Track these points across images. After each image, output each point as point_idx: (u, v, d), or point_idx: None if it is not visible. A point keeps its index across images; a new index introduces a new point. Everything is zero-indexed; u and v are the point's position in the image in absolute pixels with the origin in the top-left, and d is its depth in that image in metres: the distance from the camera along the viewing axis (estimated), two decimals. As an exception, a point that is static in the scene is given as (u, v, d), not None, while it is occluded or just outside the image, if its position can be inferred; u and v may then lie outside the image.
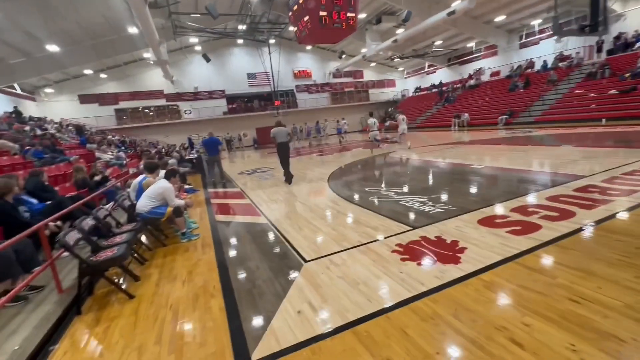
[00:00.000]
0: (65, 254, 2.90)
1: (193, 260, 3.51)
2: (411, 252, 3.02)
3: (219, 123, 27.90)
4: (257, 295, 2.58)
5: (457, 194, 5.00)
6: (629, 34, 15.91)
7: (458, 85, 25.20)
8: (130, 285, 3.05)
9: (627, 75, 13.69)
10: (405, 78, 35.10)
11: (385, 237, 3.45)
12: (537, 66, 20.09)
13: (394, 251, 3.08)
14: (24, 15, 12.92)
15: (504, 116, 16.49)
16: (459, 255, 2.83)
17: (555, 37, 20.24)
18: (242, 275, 3.01)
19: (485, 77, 24.22)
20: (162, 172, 5.28)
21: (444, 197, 4.81)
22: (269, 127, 28.83)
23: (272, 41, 26.50)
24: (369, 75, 34.15)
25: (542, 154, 7.66)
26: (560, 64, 18.28)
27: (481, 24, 21.82)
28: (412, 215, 4.09)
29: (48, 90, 23.28)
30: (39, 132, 11.05)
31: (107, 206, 4.33)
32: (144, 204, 3.91)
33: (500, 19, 20.64)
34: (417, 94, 31.32)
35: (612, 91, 13.48)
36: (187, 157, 12.33)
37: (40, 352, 2.16)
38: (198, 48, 25.93)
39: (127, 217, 4.20)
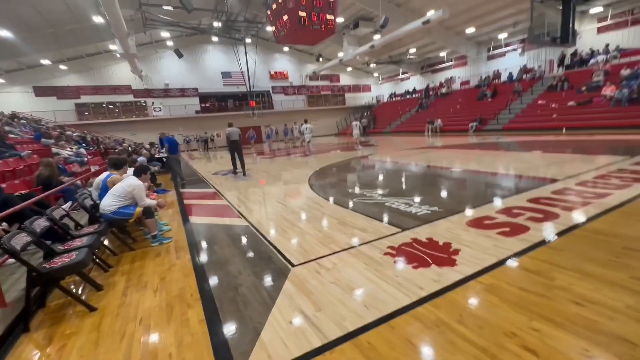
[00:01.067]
0: (11, 260, 2.47)
1: (166, 265, 3.16)
2: (404, 255, 2.89)
3: (191, 122, 26.87)
4: (241, 303, 2.32)
5: (441, 196, 4.99)
6: (584, 51, 17.26)
7: (431, 93, 26.06)
8: (92, 295, 2.66)
9: (583, 88, 14.78)
10: (380, 84, 35.83)
11: (375, 239, 3.31)
12: (504, 77, 21.24)
13: (386, 254, 2.94)
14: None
15: (474, 123, 17.19)
16: (454, 257, 2.74)
17: (519, 51, 21.61)
18: (223, 281, 2.72)
19: (456, 86, 25.26)
20: (131, 170, 4.84)
21: (429, 198, 4.78)
22: (243, 127, 28.21)
23: (248, 40, 25.95)
24: (345, 79, 34.48)
25: (515, 159, 7.97)
26: (524, 76, 19.42)
27: (453, 34, 22.76)
28: (399, 217, 3.99)
29: (1, 81, 21.17)
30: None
31: (64, 206, 3.84)
32: (109, 204, 3.49)
33: (470, 30, 21.63)
34: (392, 99, 32.03)
35: (571, 103, 14.48)
36: (157, 156, 11.61)
37: (-26, 381, 1.77)
38: (170, 43, 24.80)
39: (89, 218, 3.74)
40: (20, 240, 2.29)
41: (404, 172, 7.71)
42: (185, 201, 6.18)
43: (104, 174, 4.09)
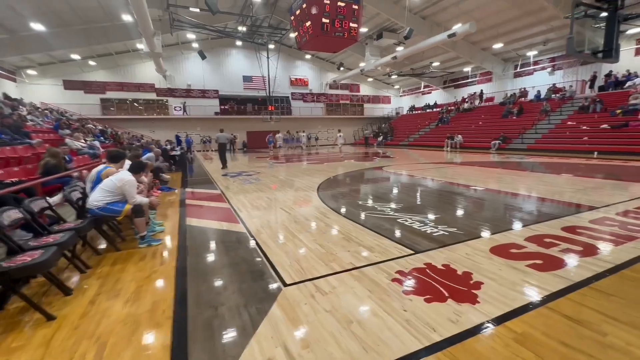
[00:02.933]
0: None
1: (147, 271, 2.85)
2: (416, 283, 2.47)
3: (210, 123, 27.13)
4: (217, 328, 1.96)
5: (460, 215, 4.51)
6: (619, 72, 16.33)
7: (452, 108, 25.40)
8: (57, 300, 2.37)
9: (618, 111, 13.88)
10: (401, 96, 35.38)
11: (383, 261, 2.90)
12: (531, 95, 20.42)
13: (394, 280, 2.52)
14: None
15: (497, 141, 16.45)
16: (474, 291, 2.30)
17: (549, 70, 20.77)
18: (203, 297, 2.38)
19: (480, 102, 24.52)
20: (129, 163, 4.63)
21: (446, 218, 4.32)
22: (260, 131, 28.34)
23: (271, 46, 26.22)
24: (365, 89, 34.26)
25: (543, 181, 7.34)
26: (553, 96, 18.57)
27: (479, 49, 22.17)
28: (412, 237, 3.56)
29: (30, 72, 22.09)
30: (8, 111, 10.13)
31: (54, 198, 3.63)
32: (97, 198, 3.24)
33: (497, 46, 20.99)
34: (411, 112, 31.49)
35: (604, 125, 13.60)
36: (170, 154, 11.56)
37: None
38: (195, 45, 25.32)
39: (77, 213, 3.51)
40: (-22, 232, 2.03)
41: (419, 187, 7.23)
42: (188, 201, 5.93)
43: (101, 166, 3.87)
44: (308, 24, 14.29)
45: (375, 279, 2.54)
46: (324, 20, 13.69)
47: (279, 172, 10.36)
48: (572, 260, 2.80)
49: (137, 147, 7.01)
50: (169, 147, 13.32)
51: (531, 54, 21.12)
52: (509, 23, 18.19)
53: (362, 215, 4.56)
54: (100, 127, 16.73)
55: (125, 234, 3.93)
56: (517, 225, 3.87)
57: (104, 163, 4.03)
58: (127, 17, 17.03)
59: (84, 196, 3.60)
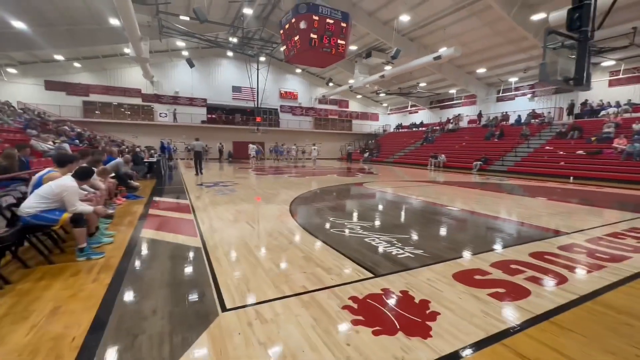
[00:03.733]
0: None
1: (73, 289, 2.54)
2: (368, 312, 2.26)
3: (196, 131, 26.69)
4: (128, 362, 1.69)
5: (430, 236, 4.37)
6: (594, 102, 17.04)
7: (437, 128, 25.89)
8: (-48, 322, 2.05)
9: (593, 138, 14.37)
10: (389, 114, 35.98)
11: (338, 285, 2.68)
12: (512, 120, 21.03)
13: (345, 307, 2.31)
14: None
15: (479, 162, 16.71)
16: (429, 323, 2.11)
17: (529, 96, 21.53)
18: (125, 322, 2.10)
19: (463, 124, 25.11)
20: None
21: (416, 238, 4.16)
22: (246, 141, 27.99)
23: (262, 59, 26.40)
24: (354, 106, 34.71)
25: (518, 203, 7.35)
26: (532, 121, 19.16)
27: (464, 73, 22.87)
28: (376, 258, 3.37)
29: (11, 70, 21.42)
30: (-28, 108, 9.62)
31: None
32: (30, 205, 2.93)
33: (481, 71, 21.73)
34: (398, 130, 31.97)
35: (580, 152, 14.01)
36: (146, 160, 11.16)
37: None
38: (185, 53, 25.21)
39: (7, 221, 3.17)
40: None
41: (395, 205, 7.11)
42: (151, 211, 5.60)
43: (45, 170, 3.57)
44: (296, 38, 14.40)
45: (325, 306, 2.32)
46: (312, 35, 13.79)
47: (258, 183, 10.11)
48: (535, 289, 2.66)
49: (99, 152, 6.66)
50: (145, 153, 12.89)
51: (513, 79, 21.92)
52: (492, 49, 18.89)
53: (330, 233, 4.35)
54: (78, 130, 16.16)
55: (69, 244, 3.60)
56: (485, 249, 3.74)
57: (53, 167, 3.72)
58: (114, 21, 16.82)
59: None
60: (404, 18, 17.62)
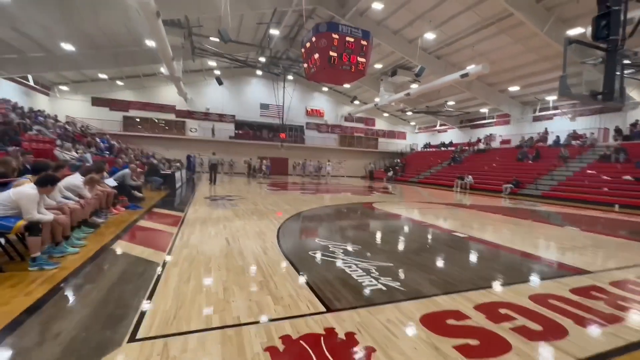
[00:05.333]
0: None
1: (1, 301, 2.42)
2: (292, 358, 1.88)
3: (224, 146, 27.66)
4: (-19, 398, 1.47)
5: (418, 266, 3.85)
6: (647, 122, 15.28)
7: (466, 148, 24.67)
8: None
9: (644, 163, 12.76)
10: (417, 133, 35.06)
11: (279, 319, 2.33)
12: (550, 140, 19.47)
13: (268, 349, 1.95)
14: (41, 8, 13.12)
15: (509, 185, 15.46)
16: (357, 381, 1.69)
17: (569, 115, 19.88)
18: (18, 344, 1.90)
19: (495, 144, 23.71)
20: (76, 177, 4.44)
21: (398, 268, 3.68)
22: (273, 157, 28.51)
23: (290, 77, 27.15)
24: (380, 124, 34.29)
25: (539, 233, 6.48)
26: (573, 142, 17.57)
27: (496, 91, 21.78)
28: (340, 289, 2.96)
29: (63, 87, 23.80)
30: (14, 119, 10.61)
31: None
32: (-14, 211, 2.94)
33: (514, 89, 20.57)
34: (425, 149, 30.94)
35: (627, 177, 12.46)
36: (162, 172, 11.55)
37: None
38: (218, 72, 26.56)
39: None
40: None
41: (396, 229, 6.57)
42: (140, 222, 5.59)
43: (22, 178, 3.63)
44: (316, 56, 14.59)
45: (246, 345, 1.98)
46: (331, 53, 13.89)
47: (264, 199, 9.98)
48: (519, 344, 2.12)
49: (101, 161, 6.89)
50: (165, 165, 13.38)
51: (550, 98, 20.45)
52: (526, 67, 17.83)
53: (306, 256, 4.00)
54: (113, 142, 17.31)
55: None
56: (477, 287, 3.18)
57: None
58: (150, 43, 18.17)
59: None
60: (429, 36, 17.27)
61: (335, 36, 13.67)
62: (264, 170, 24.71)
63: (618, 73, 5.11)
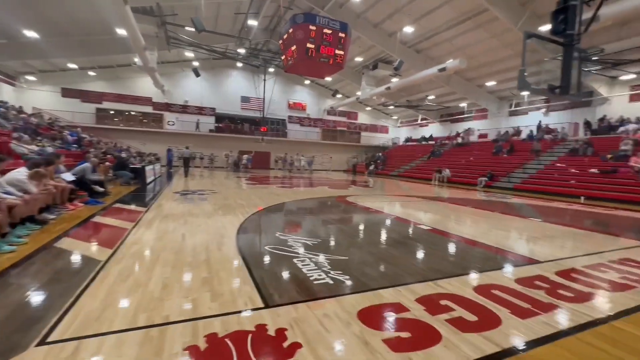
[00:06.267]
0: None
1: None
2: (212, 357, 1.81)
3: (204, 139, 27.05)
4: None
5: (372, 259, 3.83)
6: (613, 117, 15.91)
7: (446, 142, 25.07)
8: None
9: (609, 156, 13.30)
10: (399, 127, 35.36)
11: (212, 316, 2.25)
12: (524, 135, 20.02)
13: (188, 348, 1.87)
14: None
15: (484, 178, 15.83)
16: (273, 379, 1.64)
17: (544, 110, 20.47)
18: None
19: (474, 138, 24.19)
20: (20, 171, 4.19)
21: (352, 261, 3.66)
22: (254, 151, 28.13)
23: (271, 70, 26.71)
24: (363, 118, 34.35)
25: (502, 225, 6.63)
26: (545, 136, 18.12)
27: (474, 86, 22.14)
28: (285, 284, 2.91)
29: (30, 77, 22.54)
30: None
31: None
32: None
33: (491, 84, 20.96)
34: (407, 143, 31.27)
35: (593, 170, 12.97)
36: (132, 166, 11.14)
37: None
38: (196, 63, 25.79)
39: None
40: None
41: (361, 221, 6.58)
42: (96, 218, 5.36)
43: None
44: (294, 48, 14.35)
45: (165, 346, 1.89)
46: (308, 45, 13.68)
47: (236, 193, 9.81)
48: (450, 335, 2.12)
49: (52, 154, 6.56)
50: (133, 158, 12.93)
51: (525, 93, 20.94)
52: (502, 62, 18.17)
53: (262, 251, 3.93)
54: (83, 136, 16.58)
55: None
56: (426, 279, 3.19)
57: None
58: (121, 32, 17.39)
59: None
60: (408, 29, 17.30)
61: (313, 28, 13.48)
62: (245, 163, 24.38)
63: (582, 68, 5.22)
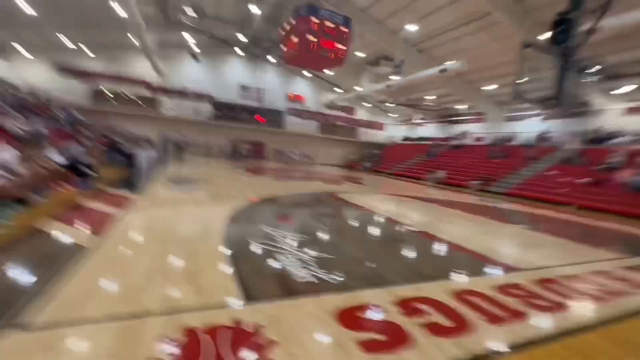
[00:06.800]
0: None
1: None
2: (188, 351, 1.85)
3: (201, 126, 26.79)
4: None
5: (358, 259, 3.89)
6: (609, 129, 16.10)
7: (443, 143, 25.17)
8: None
9: (601, 167, 13.48)
10: (397, 125, 35.34)
11: (192, 311, 2.28)
12: (520, 140, 20.17)
13: (167, 341, 1.90)
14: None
15: (477, 182, 15.96)
16: (245, 376, 1.68)
17: (542, 117, 20.59)
18: None
19: (470, 141, 24.31)
20: (6, 150, 4.13)
21: (339, 260, 3.70)
22: (250, 141, 27.89)
23: (272, 60, 26.42)
24: (361, 114, 34.23)
25: (490, 230, 6.75)
26: (540, 143, 18.28)
27: (473, 89, 22.16)
28: (269, 280, 2.95)
29: (25, 53, 22.03)
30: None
31: None
32: None
33: (491, 88, 20.99)
34: (404, 142, 31.32)
35: (584, 180, 13.14)
36: (125, 150, 11.01)
37: None
38: (197, 50, 25.37)
39: None
40: None
41: (353, 219, 6.64)
42: (84, 202, 5.33)
43: None
44: (295, 39, 14.19)
45: (143, 337, 1.92)
46: (310, 38, 13.54)
47: (231, 184, 9.80)
48: (422, 339, 2.18)
49: (41, 134, 6.48)
50: (124, 142, 12.78)
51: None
52: (504, 67, 18.13)
53: (249, 245, 3.95)
54: (79, 117, 16.31)
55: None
56: (405, 280, 3.25)
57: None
58: (120, 10, 17.02)
59: None
60: (412, 27, 17.16)
61: (315, 20, 13.34)
62: (243, 153, 24.25)
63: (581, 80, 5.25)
